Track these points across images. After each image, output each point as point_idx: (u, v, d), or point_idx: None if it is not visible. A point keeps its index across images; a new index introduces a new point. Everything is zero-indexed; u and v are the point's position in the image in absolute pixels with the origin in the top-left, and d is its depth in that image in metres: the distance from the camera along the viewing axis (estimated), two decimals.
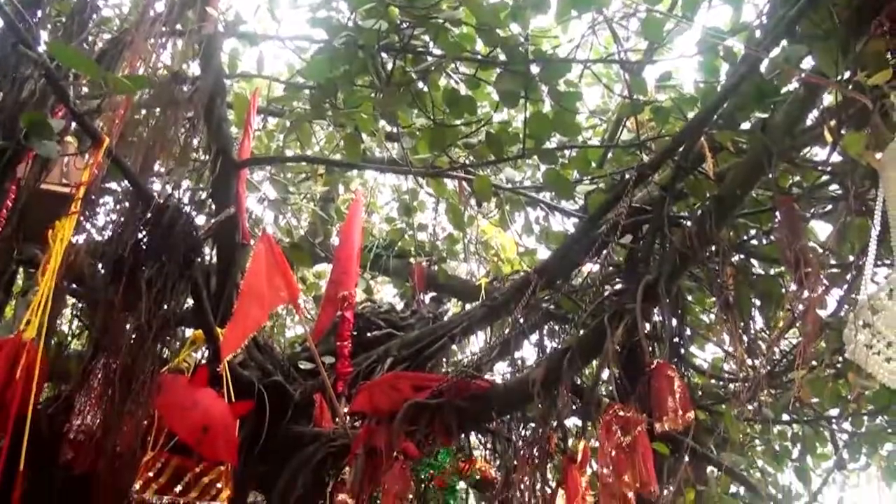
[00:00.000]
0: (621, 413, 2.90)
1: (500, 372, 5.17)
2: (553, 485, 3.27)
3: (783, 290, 4.16)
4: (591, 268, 4.59)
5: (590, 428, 4.01)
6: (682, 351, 4.39)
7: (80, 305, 5.26)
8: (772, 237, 4.34)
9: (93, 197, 3.92)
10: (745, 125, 3.71)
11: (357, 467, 3.36)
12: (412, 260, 6.59)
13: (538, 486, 3.32)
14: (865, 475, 6.35)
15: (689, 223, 3.61)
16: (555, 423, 3.28)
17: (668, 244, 3.51)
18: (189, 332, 4.80)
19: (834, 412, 5.31)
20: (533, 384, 3.36)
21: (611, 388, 3.26)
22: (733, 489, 5.54)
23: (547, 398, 3.36)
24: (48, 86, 3.67)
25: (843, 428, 5.39)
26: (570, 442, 3.46)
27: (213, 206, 4.82)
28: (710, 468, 4.86)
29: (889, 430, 5.46)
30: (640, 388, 3.00)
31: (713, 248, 3.50)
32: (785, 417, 5.27)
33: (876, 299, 2.57)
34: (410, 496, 3.75)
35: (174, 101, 4.15)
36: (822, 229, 4.46)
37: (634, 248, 3.80)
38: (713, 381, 5.30)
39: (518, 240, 6.34)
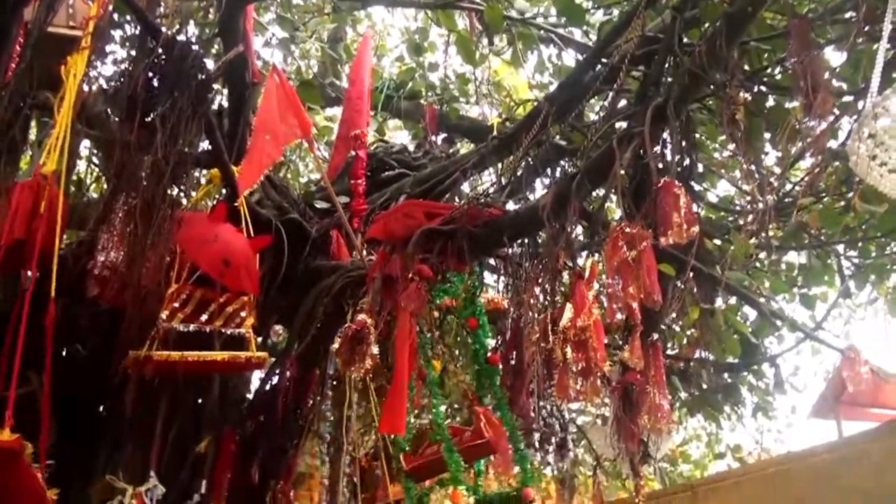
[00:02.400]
0: (628, 230, 2.97)
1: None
2: (561, 300, 3.38)
3: (794, 122, 4.13)
4: (601, 103, 4.56)
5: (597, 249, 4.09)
6: (692, 182, 4.40)
7: (95, 150, 5.32)
8: (784, 67, 4.29)
9: (102, 32, 3.90)
10: None
11: (374, 289, 3.47)
12: (423, 101, 6.55)
13: (547, 301, 3.45)
14: (872, 309, 6.51)
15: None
16: (563, 243, 3.34)
17: (679, 67, 3.46)
18: (205, 179, 4.87)
19: (841, 247, 5.39)
20: (543, 209, 3.41)
21: (618, 211, 3.31)
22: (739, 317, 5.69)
23: (556, 222, 3.41)
24: None
25: (850, 256, 5.47)
26: (578, 260, 3.56)
27: (222, 47, 4.78)
28: (718, 303, 4.98)
29: None
30: (647, 207, 3.04)
31: (724, 73, 3.45)
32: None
33: (881, 106, 2.56)
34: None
35: None
36: (835, 62, 4.38)
37: (646, 73, 3.75)
38: (722, 213, 5.35)
39: (531, 78, 6.26)
